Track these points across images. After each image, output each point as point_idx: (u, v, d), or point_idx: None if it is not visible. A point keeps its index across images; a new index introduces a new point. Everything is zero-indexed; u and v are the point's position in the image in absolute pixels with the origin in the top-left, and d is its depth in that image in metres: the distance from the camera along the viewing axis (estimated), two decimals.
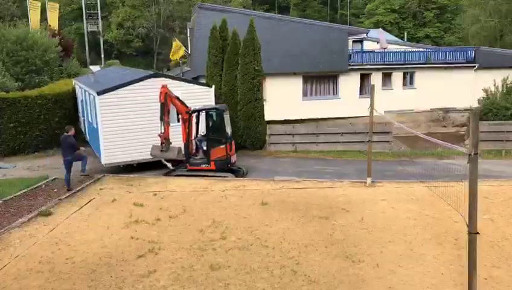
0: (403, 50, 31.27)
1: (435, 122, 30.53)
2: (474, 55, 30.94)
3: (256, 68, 18.72)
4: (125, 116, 14.97)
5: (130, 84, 15.26)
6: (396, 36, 49.02)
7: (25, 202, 11.76)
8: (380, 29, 45.88)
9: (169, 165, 15.32)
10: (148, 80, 15.54)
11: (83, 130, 19.34)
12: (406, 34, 55.16)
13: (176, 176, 14.57)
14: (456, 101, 30.13)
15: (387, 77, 30.76)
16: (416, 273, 7.76)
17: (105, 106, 14.75)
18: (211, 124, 14.81)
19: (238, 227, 9.83)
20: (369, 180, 12.84)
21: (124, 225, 10.02)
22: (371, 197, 11.82)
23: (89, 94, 16.44)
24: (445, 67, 30.88)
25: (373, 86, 12.76)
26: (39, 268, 8.11)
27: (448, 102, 30.29)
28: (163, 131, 14.07)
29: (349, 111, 26.29)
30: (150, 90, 15.14)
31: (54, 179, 14.00)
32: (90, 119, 17.00)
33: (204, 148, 14.78)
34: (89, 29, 53.08)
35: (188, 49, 29.41)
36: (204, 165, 14.63)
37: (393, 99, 28.69)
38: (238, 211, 10.83)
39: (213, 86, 17.20)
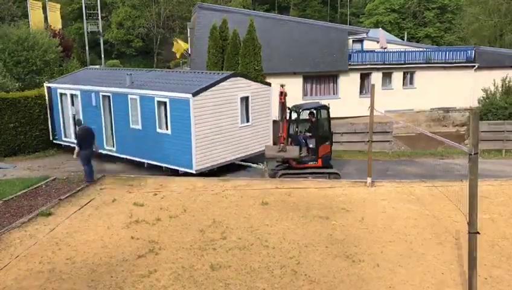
0: (403, 50, 31.28)
1: (435, 122, 30.54)
2: (474, 55, 30.94)
3: (257, 68, 18.73)
4: (211, 118, 14.38)
5: (215, 85, 14.52)
6: (396, 36, 49.03)
7: (25, 202, 11.76)
8: (380, 29, 45.87)
9: (256, 165, 15.25)
10: (229, 79, 15.06)
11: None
12: (406, 33, 55.20)
13: (281, 175, 14.26)
14: (456, 101, 30.14)
15: (387, 76, 30.78)
16: (416, 273, 7.77)
17: (197, 108, 13.85)
18: (319, 121, 14.78)
19: (239, 227, 9.84)
20: (369, 180, 12.84)
21: (124, 225, 10.02)
22: (371, 197, 11.83)
23: (148, 97, 14.81)
24: (445, 67, 30.89)
25: (373, 85, 12.76)
26: (39, 268, 8.12)
27: (448, 102, 30.29)
28: (282, 131, 13.98)
29: (349, 111, 26.30)
30: (230, 90, 14.96)
31: (54, 179, 13.99)
32: (135, 125, 15.35)
33: (311, 145, 14.60)
34: (89, 29, 53.05)
35: (188, 49, 29.42)
36: (312, 163, 14.52)
37: (394, 99, 28.70)
38: (239, 211, 10.84)
39: (272, 85, 16.97)
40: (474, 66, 30.78)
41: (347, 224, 9.94)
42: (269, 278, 7.65)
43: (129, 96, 15.41)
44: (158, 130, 14.81)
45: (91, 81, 17.39)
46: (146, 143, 15.17)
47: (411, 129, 13.00)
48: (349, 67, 29.24)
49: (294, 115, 14.56)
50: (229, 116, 15.00)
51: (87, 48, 52.73)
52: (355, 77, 30.01)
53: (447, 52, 31.61)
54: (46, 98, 18.15)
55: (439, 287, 7.32)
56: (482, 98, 27.13)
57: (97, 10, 53.33)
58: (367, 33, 31.63)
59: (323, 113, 14.81)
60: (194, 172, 14.09)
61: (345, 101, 28.63)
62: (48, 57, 23.04)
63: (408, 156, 18.56)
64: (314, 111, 14.71)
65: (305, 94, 29.19)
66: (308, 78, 29.19)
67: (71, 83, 17.68)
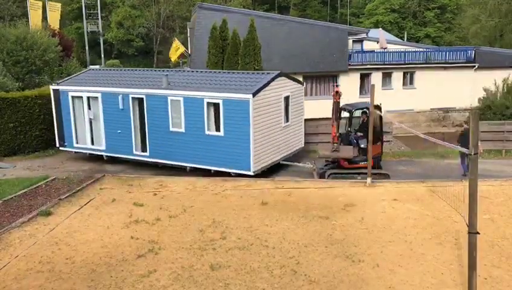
0: (402, 50, 31.29)
1: (434, 122, 30.55)
2: (474, 55, 30.96)
3: (257, 68, 18.72)
4: (263, 119, 14.14)
5: (268, 84, 14.29)
6: (396, 36, 49.04)
7: (25, 202, 11.76)
8: (380, 29, 45.89)
9: (304, 165, 15.19)
10: (277, 79, 14.87)
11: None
12: (405, 33, 55.20)
13: (330, 175, 14.18)
14: (456, 101, 30.14)
15: (387, 76, 30.78)
16: (416, 273, 7.77)
17: (255, 108, 13.57)
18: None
19: (238, 227, 9.83)
20: (369, 180, 12.84)
21: (124, 225, 10.02)
22: (371, 197, 11.82)
23: (195, 98, 14.25)
24: (445, 67, 30.90)
25: (373, 85, 12.76)
26: (39, 268, 8.12)
27: (448, 102, 30.29)
28: (337, 131, 13.98)
29: None
30: (277, 90, 14.84)
31: (54, 179, 13.99)
32: (176, 128, 14.72)
33: (362, 145, 14.48)
34: (89, 29, 53.08)
35: (188, 49, 29.42)
36: (363, 163, 14.35)
37: (393, 99, 28.70)
38: (238, 211, 10.83)
39: (304, 83, 16.94)
40: (474, 66, 30.79)
41: (347, 224, 9.94)
42: (269, 278, 7.64)
43: (170, 98, 14.66)
44: (207, 132, 14.26)
45: (113, 82, 16.36)
46: (190, 146, 14.55)
47: (406, 130, 12.96)
48: (349, 67, 29.26)
49: (346, 115, 14.46)
50: (276, 116, 14.93)
51: (87, 47, 52.74)
52: (355, 77, 30.03)
53: (447, 53, 31.64)
54: (52, 101, 17.00)
55: (439, 287, 7.31)
56: (482, 98, 27.13)
57: (97, 10, 53.37)
58: (367, 33, 31.66)
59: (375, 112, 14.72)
60: (252, 173, 13.80)
61: (345, 101, 28.53)
62: (47, 57, 23.04)
63: (408, 156, 18.53)
64: (367, 111, 14.50)
65: (305, 94, 29.12)
66: (308, 78, 29.18)
67: (86, 85, 16.54)
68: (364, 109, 14.63)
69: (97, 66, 49.17)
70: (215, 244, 8.96)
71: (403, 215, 10.40)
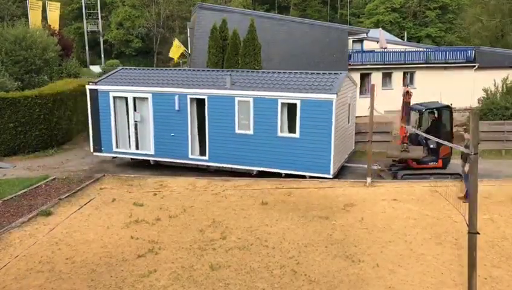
0: (402, 50, 31.28)
1: None
2: (474, 55, 30.95)
3: (257, 68, 18.73)
4: (338, 119, 13.83)
5: (342, 84, 14.06)
6: (396, 36, 49.03)
7: (25, 202, 11.76)
8: (380, 29, 45.90)
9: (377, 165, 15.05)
10: (345, 78, 14.65)
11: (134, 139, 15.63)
12: (405, 33, 55.18)
13: (403, 176, 13.98)
14: (456, 101, 30.09)
15: (387, 76, 30.76)
16: (416, 273, 7.77)
17: (336, 108, 13.25)
18: (441, 121, 14.62)
19: (238, 227, 9.83)
20: (369, 180, 12.84)
21: (124, 225, 10.02)
22: (371, 197, 11.83)
23: (267, 98, 13.75)
24: (445, 67, 30.89)
25: (373, 85, 12.76)
26: (39, 268, 8.12)
27: (448, 102, 30.19)
28: (406, 131, 13.87)
29: None
30: (346, 89, 14.76)
31: (54, 179, 13.99)
32: (243, 130, 14.15)
33: (432, 145, 14.35)
34: (89, 29, 53.12)
35: (188, 49, 29.42)
36: (432, 163, 14.38)
37: (393, 99, 28.67)
38: (238, 211, 10.83)
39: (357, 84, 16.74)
40: (474, 66, 30.77)
41: (347, 224, 9.93)
42: (269, 278, 7.64)
43: (237, 98, 14.04)
44: (280, 134, 13.76)
45: (166, 82, 15.35)
46: (259, 149, 14.01)
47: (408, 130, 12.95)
48: (349, 67, 29.21)
49: (415, 115, 14.37)
50: (344, 116, 14.80)
51: (87, 47, 52.77)
52: (355, 77, 29.94)
53: (447, 52, 31.63)
54: (88, 101, 15.96)
55: (438, 287, 7.31)
56: (482, 98, 27.14)
57: (97, 10, 53.39)
58: (367, 33, 31.64)
59: (445, 113, 14.57)
60: (331, 176, 13.43)
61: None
62: (47, 56, 23.02)
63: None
64: (436, 111, 14.54)
65: None
66: None
67: (131, 84, 15.49)
68: (434, 110, 14.57)
69: (97, 67, 49.22)
70: (215, 244, 8.96)
71: (403, 215, 10.40)
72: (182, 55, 29.89)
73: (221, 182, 13.37)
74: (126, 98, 15.41)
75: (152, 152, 15.38)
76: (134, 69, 17.62)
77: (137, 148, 15.60)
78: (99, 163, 16.53)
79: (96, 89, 15.77)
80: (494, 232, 9.40)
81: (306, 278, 7.61)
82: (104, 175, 14.36)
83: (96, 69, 49.06)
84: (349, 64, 29.17)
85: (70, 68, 26.06)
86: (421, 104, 14.71)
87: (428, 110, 14.44)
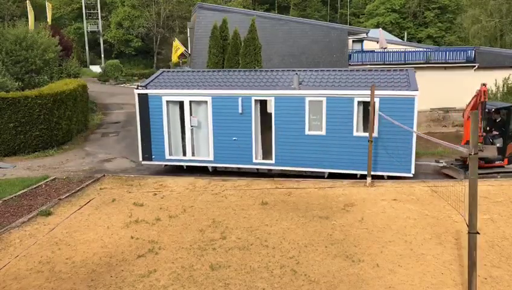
0: (402, 50, 31.30)
1: (434, 122, 30.53)
2: (474, 55, 30.96)
3: (257, 68, 18.73)
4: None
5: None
6: (396, 36, 49.06)
7: (25, 202, 11.76)
8: (380, 29, 45.92)
9: (435, 163, 15.02)
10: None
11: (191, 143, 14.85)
12: (405, 34, 55.21)
13: (481, 175, 13.72)
14: (456, 101, 30.11)
15: None
16: (416, 273, 7.77)
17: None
18: (509, 120, 14.67)
19: (238, 227, 9.83)
20: (369, 180, 12.83)
21: (124, 225, 10.02)
22: (371, 197, 11.83)
23: (342, 97, 13.39)
24: (445, 67, 30.90)
25: (373, 85, 12.75)
26: (39, 268, 8.12)
27: (448, 102, 30.27)
28: (482, 130, 13.83)
29: None
30: None
31: (54, 179, 13.99)
32: (315, 131, 13.70)
33: (498, 144, 14.41)
34: (89, 29, 53.15)
35: (188, 49, 29.43)
36: (498, 162, 14.45)
37: None
38: (238, 211, 10.83)
39: None
40: (474, 66, 30.78)
41: (347, 224, 9.94)
42: (269, 278, 7.64)
43: (308, 98, 13.57)
44: (356, 133, 13.36)
45: (225, 84, 14.68)
46: (332, 150, 13.60)
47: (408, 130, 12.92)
48: (349, 67, 29.23)
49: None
50: None
51: (87, 47, 52.80)
52: None
53: (447, 52, 31.64)
54: (137, 107, 14.89)
55: (438, 287, 7.31)
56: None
57: (97, 10, 53.40)
58: (367, 33, 31.69)
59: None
60: (411, 175, 13.20)
61: None
62: (47, 56, 23.03)
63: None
64: (504, 110, 14.67)
65: None
66: None
67: (186, 87, 14.65)
68: (502, 109, 14.71)
69: (97, 67, 49.22)
70: (215, 244, 8.97)
71: (403, 215, 10.40)
72: (182, 55, 29.88)
73: (221, 182, 13.37)
74: (180, 102, 14.60)
75: (211, 158, 14.63)
76: (177, 71, 16.52)
77: (192, 154, 14.88)
78: (99, 163, 16.53)
79: (146, 94, 14.74)
80: (494, 232, 9.40)
81: (306, 278, 7.61)
82: (104, 175, 14.36)
83: (96, 69, 49.09)
84: (349, 64, 29.20)
85: (71, 68, 26.08)
86: (490, 104, 14.74)
87: (497, 109, 14.62)
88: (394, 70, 14.65)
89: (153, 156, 14.96)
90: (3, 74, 20.28)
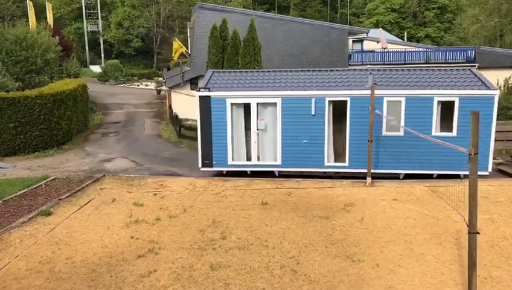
0: (402, 50, 31.31)
1: None
2: (474, 55, 30.97)
3: (257, 68, 18.73)
4: None
5: None
6: (396, 36, 49.06)
7: (25, 202, 11.76)
8: (380, 29, 45.93)
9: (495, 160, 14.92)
10: None
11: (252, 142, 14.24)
12: (405, 33, 55.22)
13: None
14: None
15: None
16: (416, 273, 7.77)
17: None
18: None
19: (238, 227, 9.83)
20: (369, 180, 12.84)
21: (124, 225, 10.02)
22: (371, 197, 11.83)
23: (421, 97, 13.32)
24: (445, 67, 30.90)
25: (373, 88, 12.75)
26: (39, 268, 8.11)
27: None
28: None
29: None
30: None
31: (54, 179, 13.99)
32: (392, 131, 13.53)
33: None
34: (89, 29, 53.17)
35: (188, 49, 29.42)
36: None
37: None
38: (238, 211, 10.83)
39: None
40: (474, 66, 30.76)
41: (347, 224, 9.94)
42: (269, 278, 7.64)
43: (386, 98, 13.40)
44: (434, 133, 13.22)
45: (296, 85, 14.21)
46: (410, 151, 13.37)
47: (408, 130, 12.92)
48: (349, 67, 29.23)
49: None
50: None
51: (87, 47, 52.81)
52: None
53: (447, 52, 31.65)
54: (198, 111, 14.11)
55: (439, 287, 7.31)
56: None
57: (97, 10, 53.41)
58: (367, 33, 31.65)
59: None
60: (488, 173, 13.28)
61: None
62: (48, 56, 23.04)
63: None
64: None
65: None
66: None
67: (253, 89, 14.13)
68: None
69: (97, 67, 49.21)
70: (215, 244, 8.97)
71: (403, 215, 10.40)
72: (182, 55, 29.87)
73: (221, 182, 13.37)
74: (245, 105, 14.05)
75: (278, 162, 14.12)
76: (233, 72, 15.76)
77: (258, 159, 14.33)
78: (99, 163, 16.53)
79: (208, 96, 14.00)
80: (494, 232, 9.40)
81: (306, 278, 7.61)
82: (104, 175, 14.36)
83: (96, 69, 49.10)
84: (349, 64, 29.17)
85: (71, 68, 26.09)
86: None
87: None
88: (452, 69, 14.74)
89: (214, 162, 14.32)
90: (4, 74, 20.28)
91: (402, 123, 13.30)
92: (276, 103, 13.85)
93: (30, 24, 28.50)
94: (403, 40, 47.60)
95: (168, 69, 35.32)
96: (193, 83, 26.26)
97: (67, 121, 19.58)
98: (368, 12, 63.92)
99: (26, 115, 17.37)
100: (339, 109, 13.91)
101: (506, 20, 45.59)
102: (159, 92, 36.08)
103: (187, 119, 23.90)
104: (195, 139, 20.22)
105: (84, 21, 52.64)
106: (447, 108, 13.38)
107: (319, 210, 10.81)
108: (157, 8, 53.95)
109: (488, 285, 7.35)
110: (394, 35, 49.45)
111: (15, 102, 17.11)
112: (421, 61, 30.74)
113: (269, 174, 14.19)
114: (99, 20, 53.74)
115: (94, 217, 10.58)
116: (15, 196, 12.19)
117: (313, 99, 13.59)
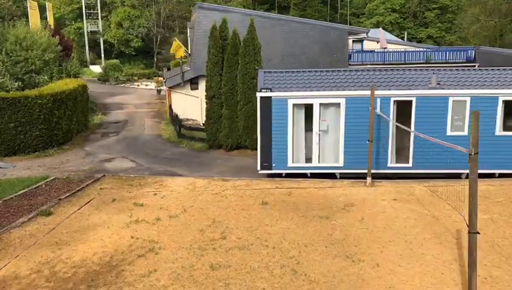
0: (403, 50, 31.32)
1: None
2: (474, 55, 30.98)
3: (257, 68, 18.72)
4: None
5: None
6: (396, 36, 49.06)
7: (25, 202, 11.76)
8: (380, 29, 45.93)
9: None
10: None
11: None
12: (406, 34, 55.23)
13: None
14: None
15: None
16: (416, 273, 7.77)
17: None
18: None
19: (238, 227, 9.84)
20: (369, 179, 12.84)
21: (124, 225, 10.02)
22: (371, 196, 11.83)
23: (486, 97, 13.34)
24: (446, 67, 30.91)
25: (373, 89, 12.74)
26: (39, 268, 8.12)
27: None
28: None
29: None
30: None
31: (54, 179, 13.99)
32: (456, 131, 13.46)
33: None
34: (89, 29, 53.14)
35: (188, 49, 29.43)
36: None
37: None
38: (238, 211, 10.83)
39: None
40: (474, 66, 30.77)
41: (347, 224, 9.94)
42: (269, 277, 7.64)
43: (451, 98, 13.31)
44: (498, 133, 13.34)
45: (358, 84, 14.03)
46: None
47: (407, 130, 12.88)
48: (350, 67, 29.23)
49: None
50: None
51: (87, 47, 52.77)
52: None
53: (447, 52, 31.68)
54: (258, 113, 13.91)
55: (439, 287, 7.31)
56: None
57: (97, 10, 53.39)
58: (367, 33, 31.64)
59: None
60: None
61: None
62: (47, 57, 23.04)
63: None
64: None
65: None
66: None
67: (316, 89, 13.83)
68: None
69: (97, 67, 49.20)
70: (215, 244, 8.97)
71: (403, 215, 10.40)
72: (183, 56, 29.88)
73: (221, 182, 13.37)
74: (307, 105, 13.76)
75: (340, 164, 13.89)
76: (285, 72, 15.33)
77: (318, 161, 14.04)
78: (99, 163, 16.53)
79: (269, 97, 13.73)
80: (494, 232, 9.40)
81: (306, 278, 7.61)
82: (104, 175, 14.36)
83: (96, 69, 49.08)
84: (350, 64, 29.18)
85: (71, 68, 26.09)
86: None
87: None
88: (494, 69, 14.69)
89: (274, 165, 14.05)
90: (3, 74, 20.28)
91: (466, 123, 13.29)
92: (339, 103, 13.61)
93: (30, 24, 28.48)
94: (403, 40, 47.57)
95: (168, 69, 35.31)
96: (193, 83, 26.26)
97: (67, 121, 19.58)
98: (368, 12, 63.93)
99: (26, 115, 17.37)
100: (400, 108, 13.74)
101: (506, 20, 45.61)
102: (159, 92, 36.10)
103: (187, 119, 23.91)
104: (195, 139, 20.33)
105: (84, 21, 52.60)
106: (509, 107, 13.44)
107: (319, 210, 10.81)
108: (157, 8, 53.91)
109: (488, 285, 7.35)
110: (395, 35, 49.45)
111: (15, 102, 17.11)
112: (421, 61, 30.76)
113: (328, 176, 13.95)
114: (100, 20, 53.70)
115: (94, 217, 10.58)
116: (15, 196, 12.19)
117: (379, 99, 13.34)
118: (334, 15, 71.10)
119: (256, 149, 18.91)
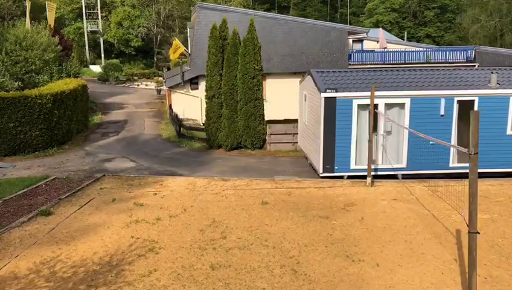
0: (403, 49, 31.31)
1: None
2: (474, 55, 30.98)
3: (256, 68, 18.73)
4: None
5: None
6: (396, 36, 49.06)
7: (25, 202, 11.76)
8: (380, 28, 45.94)
9: None
10: None
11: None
12: (405, 33, 55.23)
13: None
14: None
15: None
16: (416, 273, 7.77)
17: None
18: None
19: (238, 226, 9.84)
20: (369, 179, 12.84)
21: (124, 225, 10.02)
22: (371, 197, 11.83)
23: None
24: (445, 67, 30.91)
25: (373, 88, 12.74)
26: (39, 268, 8.11)
27: None
28: None
29: None
30: None
31: (54, 178, 13.99)
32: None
33: None
34: (89, 29, 53.13)
35: (188, 49, 29.42)
36: None
37: None
38: (238, 211, 10.84)
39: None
40: (474, 65, 30.77)
41: (347, 224, 9.94)
42: (269, 277, 7.64)
43: (511, 98, 13.47)
44: None
45: (423, 84, 13.93)
46: None
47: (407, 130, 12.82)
48: (349, 67, 29.22)
49: None
50: None
51: (87, 47, 52.75)
52: None
53: (447, 52, 31.67)
54: (322, 114, 13.55)
55: (439, 287, 7.32)
56: None
57: (97, 10, 53.38)
58: (367, 33, 31.64)
59: None
60: None
61: None
62: (47, 56, 23.03)
63: None
64: None
65: None
66: None
67: (381, 89, 13.50)
68: None
69: (98, 67, 49.19)
70: (215, 244, 8.97)
71: (403, 215, 10.40)
72: (182, 55, 29.88)
73: (221, 182, 13.37)
74: (371, 106, 13.17)
75: (403, 165, 13.74)
76: (340, 71, 15.21)
77: (381, 162, 13.93)
78: (99, 163, 16.53)
79: (334, 97, 13.41)
80: (494, 232, 9.40)
81: (306, 278, 7.61)
82: (104, 175, 14.36)
83: (96, 68, 49.08)
84: (349, 64, 29.18)
85: (71, 68, 26.08)
86: None
87: None
88: None
89: (336, 167, 13.77)
90: (3, 74, 20.28)
91: None
92: (404, 104, 13.49)
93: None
94: (403, 39, 47.58)
95: (168, 69, 35.31)
96: (193, 82, 26.27)
97: (67, 121, 19.57)
98: (367, 11, 63.94)
99: (26, 114, 17.36)
100: (462, 108, 13.63)
101: (506, 20, 45.61)
102: (159, 91, 36.10)
103: (187, 119, 23.91)
104: (195, 139, 20.34)
105: (84, 21, 52.58)
106: None
107: (319, 210, 10.81)
108: (157, 7, 53.90)
109: (488, 285, 7.36)
110: (394, 35, 49.45)
111: (15, 102, 17.09)
112: (421, 61, 30.76)
113: (389, 178, 13.76)
114: (99, 19, 53.68)
115: (94, 217, 10.58)
116: (15, 196, 12.19)
117: (443, 100, 13.32)
118: (334, 14, 71.15)
119: (256, 149, 19.08)
